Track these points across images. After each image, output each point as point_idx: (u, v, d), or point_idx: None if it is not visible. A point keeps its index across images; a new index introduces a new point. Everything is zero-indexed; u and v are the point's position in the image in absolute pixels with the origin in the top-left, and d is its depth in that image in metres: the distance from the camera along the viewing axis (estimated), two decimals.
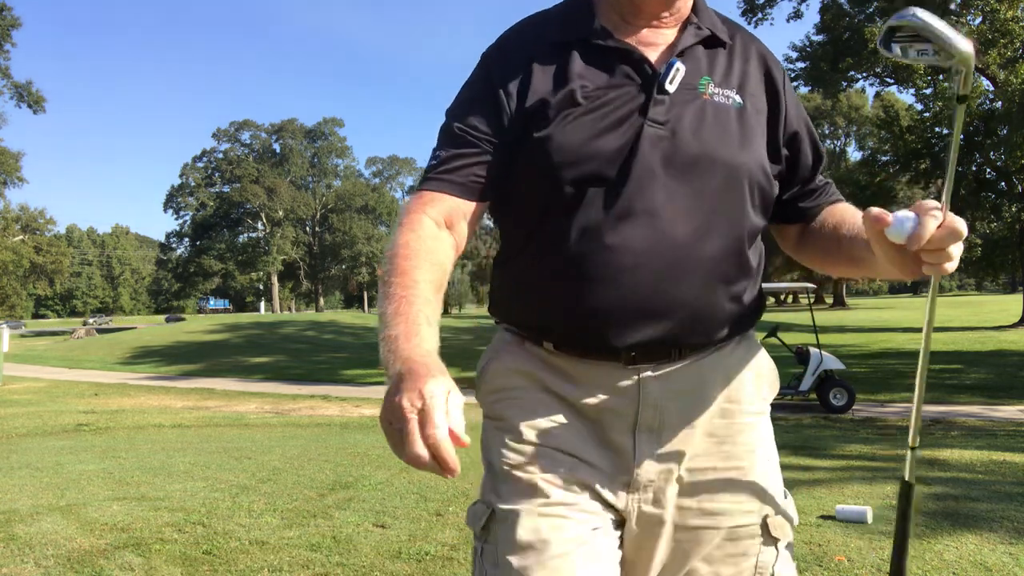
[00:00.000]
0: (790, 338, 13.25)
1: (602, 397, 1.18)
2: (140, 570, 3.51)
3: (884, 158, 35.85)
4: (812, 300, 13.99)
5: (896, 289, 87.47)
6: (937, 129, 31.07)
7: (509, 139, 1.18)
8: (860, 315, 40.74)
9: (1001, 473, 5.67)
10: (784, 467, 4.85)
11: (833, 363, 10.96)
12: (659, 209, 1.11)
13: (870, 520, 4.39)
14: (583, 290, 1.14)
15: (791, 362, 11.76)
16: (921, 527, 4.32)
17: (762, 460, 1.26)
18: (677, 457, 1.18)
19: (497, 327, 1.33)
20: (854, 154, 54.84)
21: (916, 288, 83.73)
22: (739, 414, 1.23)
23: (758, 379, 1.28)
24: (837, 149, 57.69)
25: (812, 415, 10.29)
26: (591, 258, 1.12)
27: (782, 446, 5.27)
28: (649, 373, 1.17)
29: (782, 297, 67.22)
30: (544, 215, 1.17)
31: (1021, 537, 4.06)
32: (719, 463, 1.21)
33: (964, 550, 3.90)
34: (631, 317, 1.13)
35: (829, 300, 58.06)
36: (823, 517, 4.49)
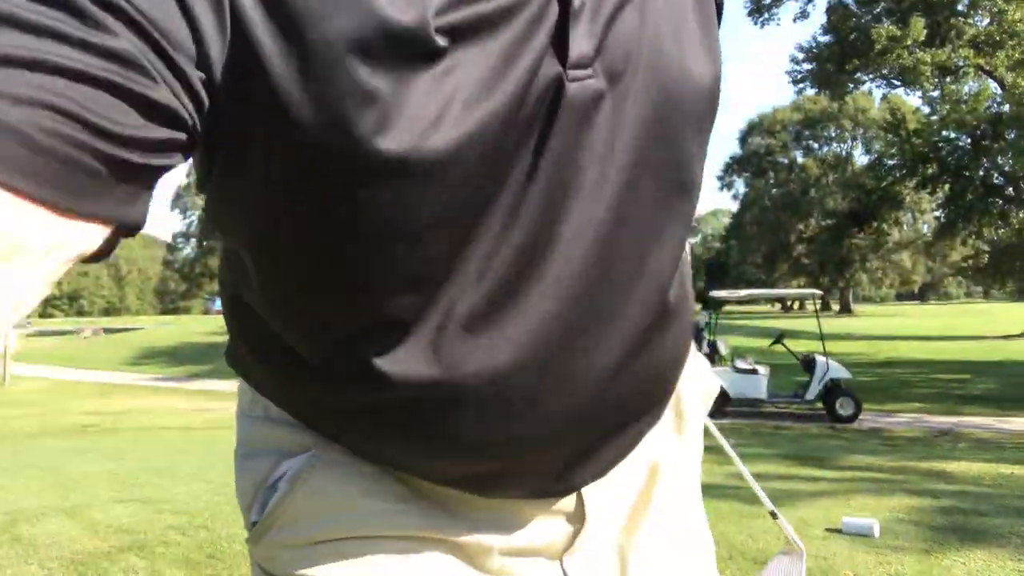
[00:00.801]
0: (796, 345, 13.23)
1: (515, 533, 0.70)
2: (143, 573, 3.51)
3: (891, 162, 35.77)
4: (818, 307, 13.95)
5: (903, 296, 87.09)
6: (944, 133, 31.00)
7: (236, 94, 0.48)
8: (867, 323, 40.60)
9: (1010, 487, 5.64)
10: (789, 477, 4.81)
11: (839, 372, 10.91)
12: (605, 238, 0.59)
13: (877, 534, 4.36)
14: (488, 426, 0.62)
15: (797, 370, 11.73)
16: (929, 542, 4.28)
17: (708, 535, 0.86)
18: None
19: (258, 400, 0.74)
20: (860, 158, 54.60)
21: (923, 295, 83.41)
22: (687, 488, 0.83)
23: (703, 415, 0.88)
24: (844, 153, 57.49)
25: (818, 424, 10.25)
26: (496, 368, 0.59)
27: (787, 456, 5.28)
28: (592, 485, 0.72)
29: (788, 304, 67.15)
30: (361, 281, 0.57)
31: None
32: (670, 558, 0.79)
33: (972, 566, 3.86)
34: (580, 449, 0.67)
35: (836, 307, 57.93)
36: (829, 530, 4.46)
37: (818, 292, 12.76)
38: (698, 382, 0.85)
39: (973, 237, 33.46)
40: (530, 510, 0.70)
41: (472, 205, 0.55)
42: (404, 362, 0.58)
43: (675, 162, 0.63)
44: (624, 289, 0.62)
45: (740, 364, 11.21)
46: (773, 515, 1.09)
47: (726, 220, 75.95)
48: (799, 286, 65.69)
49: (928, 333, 30.53)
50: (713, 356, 11.24)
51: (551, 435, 0.63)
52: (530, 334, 0.59)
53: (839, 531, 4.42)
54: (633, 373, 0.66)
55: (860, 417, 10.86)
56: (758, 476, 5.69)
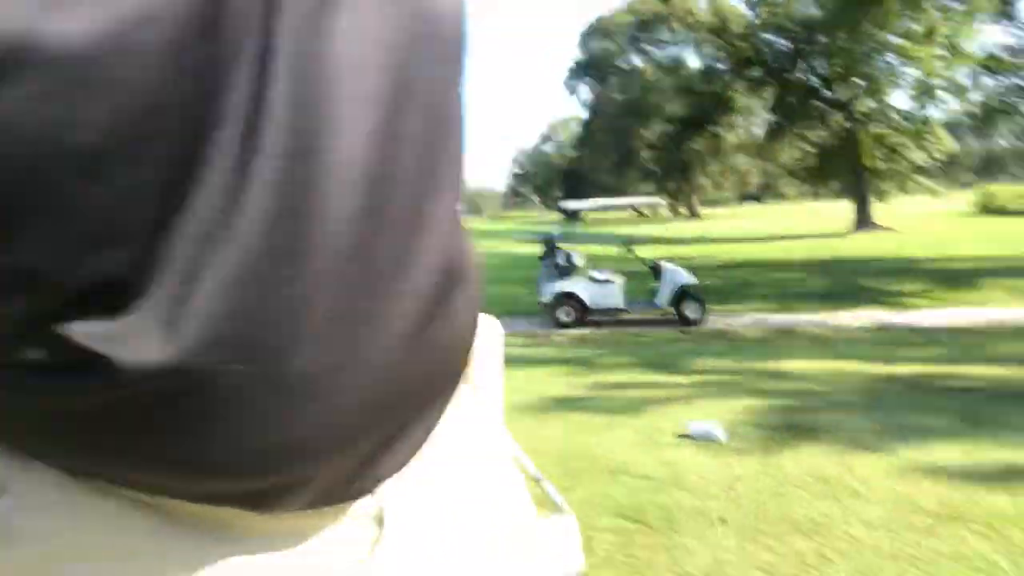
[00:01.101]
0: (649, 252, 13.68)
1: (302, 552, 0.55)
2: None
3: (721, 66, 37.12)
4: (665, 213, 14.49)
5: (745, 198, 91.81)
6: (765, 36, 32.39)
7: None
8: (712, 226, 42.85)
9: (838, 383, 6.12)
10: (645, 385, 4.93)
11: (685, 277, 11.40)
12: (373, 177, 0.48)
13: (723, 438, 4.61)
14: (259, 427, 0.47)
15: (648, 277, 12.15)
16: (767, 441, 4.58)
17: (519, 493, 0.74)
18: None
19: None
20: (694, 62, 55.92)
21: (761, 198, 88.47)
22: (483, 456, 0.70)
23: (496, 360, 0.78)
24: (677, 56, 58.70)
25: (671, 329, 10.75)
26: (268, 347, 0.45)
27: (643, 363, 5.36)
28: (393, 480, 0.59)
29: (641, 211, 69.63)
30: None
31: (856, 448, 4.39)
32: (471, 539, 0.66)
33: (804, 463, 4.16)
34: (377, 442, 0.55)
35: (685, 212, 60.75)
36: (679, 436, 4.68)
37: (660, 200, 13.18)
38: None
39: (799, 139, 35.78)
40: (318, 521, 0.56)
41: (173, 126, 0.42)
42: (130, 344, 0.42)
43: (437, 89, 0.53)
44: (404, 240, 0.51)
45: (596, 275, 11.50)
46: (537, 481, 1.06)
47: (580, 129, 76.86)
48: (648, 192, 68.12)
49: (766, 234, 32.62)
50: (570, 268, 11.46)
51: (343, 430, 0.51)
52: (305, 301, 0.46)
53: (688, 436, 4.65)
54: (431, 342, 0.55)
55: (707, 319, 11.48)
56: (617, 386, 5.80)
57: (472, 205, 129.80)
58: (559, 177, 71.79)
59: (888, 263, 19.03)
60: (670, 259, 11.71)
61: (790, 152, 39.06)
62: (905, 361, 6.87)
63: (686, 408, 5.38)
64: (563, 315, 11.27)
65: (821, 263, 19.61)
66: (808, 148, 36.47)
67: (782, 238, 30.06)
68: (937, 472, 3.99)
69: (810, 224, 36.79)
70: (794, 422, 4.98)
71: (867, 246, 24.04)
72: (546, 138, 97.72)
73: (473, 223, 43.63)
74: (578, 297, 11.23)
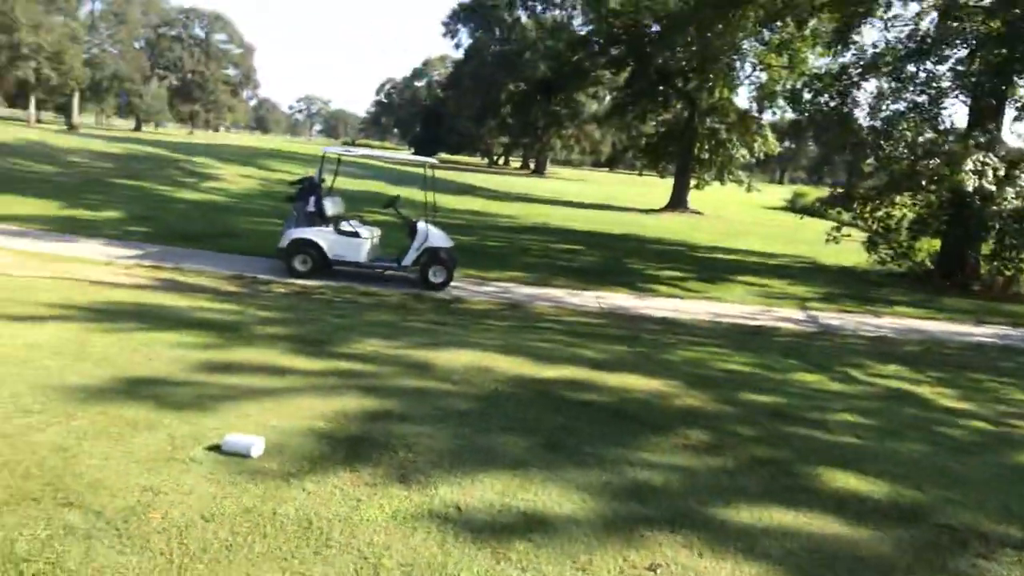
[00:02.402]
0: (470, 204, 12.77)
1: None
2: None
3: (597, 38, 36.67)
4: (492, 163, 13.61)
5: (600, 164, 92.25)
6: (636, 16, 32.15)
7: None
8: (547, 185, 42.65)
9: (469, 383, 5.45)
10: (253, 369, 4.45)
11: (440, 240, 10.70)
12: None
13: (255, 455, 3.83)
14: None
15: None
16: (307, 460, 3.81)
17: None
18: None
19: None
20: (582, 28, 55.12)
21: (613, 164, 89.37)
22: None
23: None
24: (564, 19, 57.79)
25: (404, 291, 10.02)
26: None
27: (292, 339, 4.01)
28: None
29: (494, 159, 68.71)
30: None
31: (395, 480, 3.57)
32: None
33: (313, 500, 3.37)
34: None
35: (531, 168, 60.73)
36: (208, 448, 3.86)
37: (433, 160, 12.27)
38: None
39: (639, 120, 36.09)
40: None
41: None
42: None
43: None
44: None
45: (344, 226, 10.54)
46: None
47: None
48: (503, 144, 67.27)
49: (590, 200, 32.64)
50: (318, 214, 10.44)
51: None
52: None
53: (220, 449, 3.84)
54: None
55: (453, 285, 10.87)
56: (228, 368, 4.59)
57: (330, 123, 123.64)
58: (420, 113, 69.46)
59: (668, 245, 19.22)
60: (427, 220, 10.88)
61: (643, 129, 39.26)
62: (569, 362, 6.39)
63: (271, 407, 4.54)
64: (299, 264, 10.30)
65: (609, 237, 19.53)
66: (647, 130, 37.25)
67: (601, 207, 30.15)
68: (434, 518, 3.37)
69: (637, 197, 37.25)
70: (364, 435, 4.27)
71: (664, 226, 24.38)
72: (419, 73, 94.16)
73: (322, 144, 41.07)
74: (318, 246, 10.26)
